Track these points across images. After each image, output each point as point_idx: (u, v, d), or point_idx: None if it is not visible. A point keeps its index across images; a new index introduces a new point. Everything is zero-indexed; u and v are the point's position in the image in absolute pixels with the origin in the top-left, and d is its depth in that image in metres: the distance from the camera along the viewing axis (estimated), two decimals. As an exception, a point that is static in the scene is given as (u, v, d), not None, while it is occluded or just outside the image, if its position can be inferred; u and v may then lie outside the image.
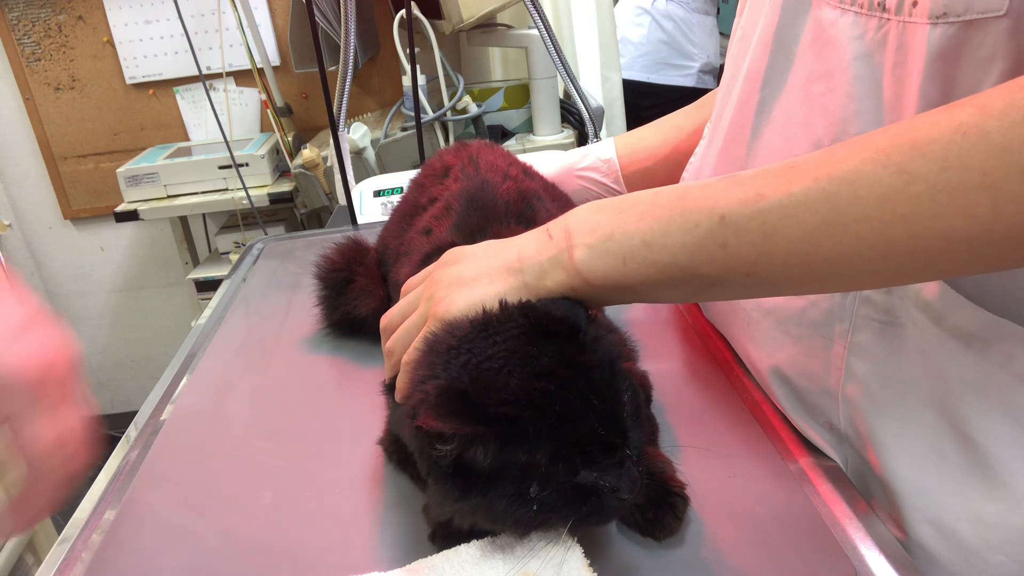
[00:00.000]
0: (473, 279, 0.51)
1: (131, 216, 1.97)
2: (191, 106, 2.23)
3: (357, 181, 1.32)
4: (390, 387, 0.55)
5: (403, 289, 0.58)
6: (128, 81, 2.20)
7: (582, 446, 0.44)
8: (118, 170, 2.00)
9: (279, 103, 2.10)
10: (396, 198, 0.93)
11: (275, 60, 2.15)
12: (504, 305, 0.48)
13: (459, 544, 0.50)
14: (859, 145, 0.42)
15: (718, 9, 2.85)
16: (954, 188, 0.38)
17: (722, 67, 2.72)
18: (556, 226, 0.51)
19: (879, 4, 0.48)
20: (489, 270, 0.51)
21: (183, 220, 2.22)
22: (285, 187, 1.99)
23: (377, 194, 1.26)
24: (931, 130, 0.39)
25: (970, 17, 0.42)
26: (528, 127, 1.89)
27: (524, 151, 1.65)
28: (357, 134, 1.68)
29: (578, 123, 1.80)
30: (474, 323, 0.47)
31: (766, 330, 0.62)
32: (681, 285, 0.47)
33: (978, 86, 0.43)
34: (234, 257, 1.76)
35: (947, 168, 0.38)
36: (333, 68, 1.58)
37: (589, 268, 0.48)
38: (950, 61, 0.43)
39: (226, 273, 1.12)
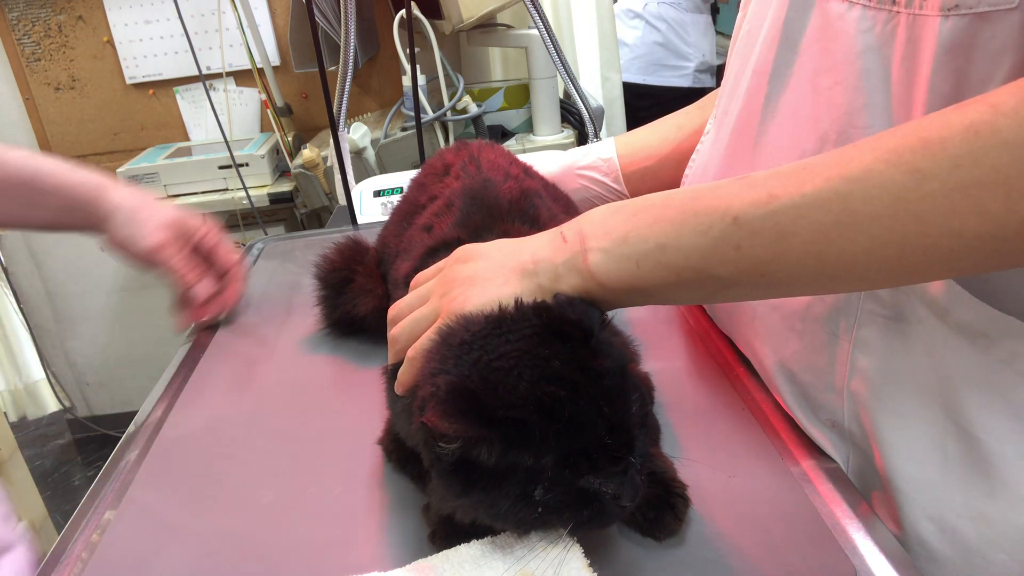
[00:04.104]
0: (487, 279, 0.51)
1: None
2: (191, 106, 2.23)
3: (357, 181, 1.32)
4: (392, 373, 0.55)
5: (413, 282, 0.59)
6: (128, 81, 2.20)
7: (588, 453, 0.44)
8: (118, 170, 2.00)
9: (279, 103, 2.10)
10: (396, 198, 0.93)
11: (275, 60, 2.15)
12: (519, 304, 0.48)
13: (459, 544, 0.50)
14: (870, 145, 0.42)
15: (716, 9, 2.85)
16: (967, 186, 0.38)
17: (719, 66, 2.70)
18: (570, 229, 0.51)
19: None
20: (504, 270, 0.51)
21: (183, 220, 2.22)
22: (285, 187, 1.99)
23: (377, 194, 1.26)
24: (943, 129, 0.39)
25: (982, 10, 0.42)
26: (528, 127, 1.89)
27: (524, 151, 1.64)
28: (357, 134, 1.68)
29: (578, 123, 1.80)
30: (489, 319, 0.47)
31: (771, 325, 0.62)
32: (695, 287, 0.47)
33: (989, 79, 0.43)
34: (234, 257, 1.76)
35: (960, 166, 0.38)
36: (333, 68, 1.58)
37: (603, 272, 0.48)
38: (961, 54, 0.43)
39: (226, 273, 1.12)
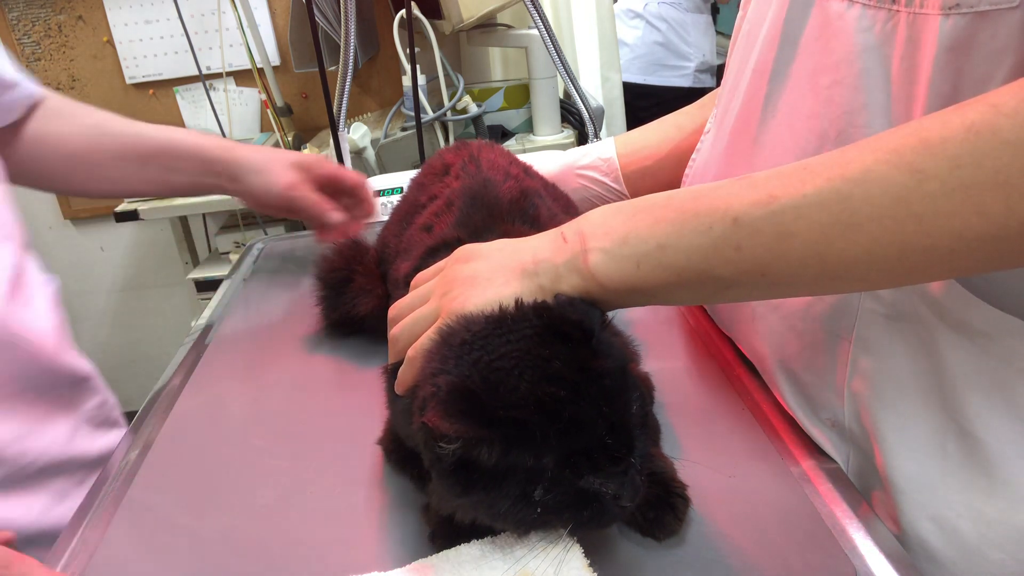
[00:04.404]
0: (488, 279, 0.51)
1: (131, 216, 1.97)
2: (191, 106, 2.23)
3: (357, 181, 1.32)
4: (392, 373, 0.55)
5: (414, 282, 0.59)
6: (128, 81, 2.20)
7: (588, 453, 0.44)
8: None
9: (279, 103, 2.10)
10: (396, 198, 0.93)
11: (275, 60, 2.15)
12: (520, 304, 0.48)
13: (459, 544, 0.50)
14: (871, 145, 0.42)
15: (716, 9, 2.85)
16: (967, 186, 0.38)
17: (719, 66, 2.70)
18: (570, 229, 0.51)
19: None
20: (504, 270, 0.51)
21: (183, 220, 2.22)
22: (285, 187, 1.99)
23: (377, 194, 1.26)
24: (943, 129, 0.39)
25: (983, 8, 0.42)
26: (528, 127, 1.89)
27: (524, 151, 1.64)
28: (357, 134, 1.68)
29: (578, 123, 1.80)
30: (489, 319, 0.47)
31: (772, 325, 0.62)
32: (696, 287, 0.47)
33: (989, 78, 0.43)
34: (234, 257, 1.76)
35: (960, 166, 0.38)
36: (333, 68, 1.57)
37: (604, 272, 0.48)
38: (961, 53, 0.43)
39: (226, 273, 1.12)
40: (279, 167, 0.93)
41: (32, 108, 0.92)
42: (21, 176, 0.90)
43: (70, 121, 0.93)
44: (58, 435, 0.77)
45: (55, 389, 0.78)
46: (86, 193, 1.01)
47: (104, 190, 0.98)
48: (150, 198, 1.99)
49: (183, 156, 0.94)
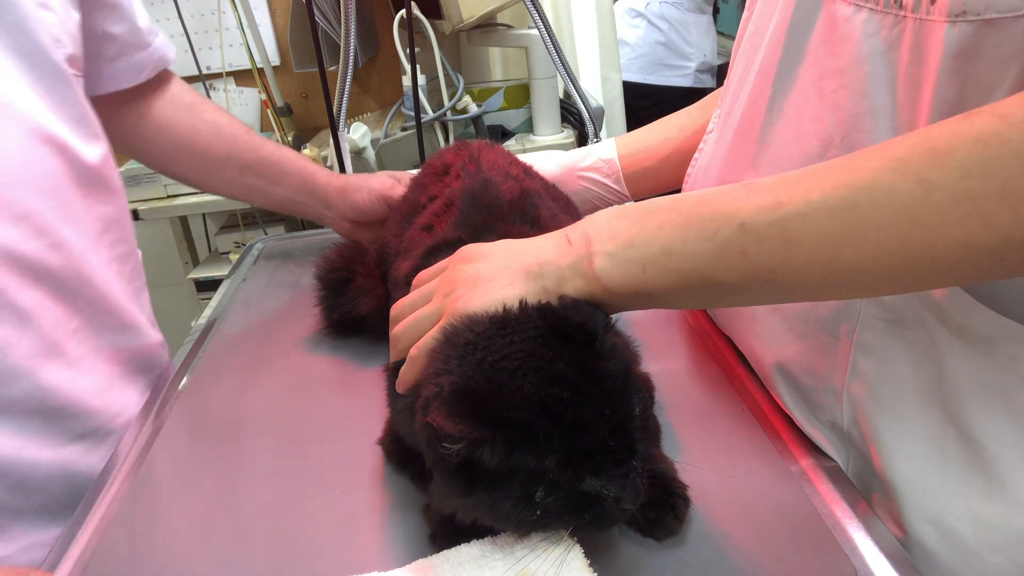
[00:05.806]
0: (491, 279, 0.51)
1: (131, 216, 1.96)
2: (191, 106, 2.23)
3: (357, 181, 1.32)
4: (393, 372, 0.55)
5: (415, 281, 0.59)
6: (128, 81, 2.19)
7: (590, 455, 0.44)
8: (119, 169, 1.99)
9: (279, 103, 2.10)
10: (396, 198, 0.93)
11: (275, 60, 2.15)
12: (523, 305, 0.48)
13: (460, 544, 0.50)
14: (878, 153, 0.42)
15: (717, 8, 2.84)
16: (974, 197, 0.38)
17: (720, 66, 2.70)
18: (575, 232, 0.51)
19: (895, 1, 0.47)
20: (508, 271, 0.51)
21: (183, 220, 2.22)
22: (285, 187, 1.99)
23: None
24: (951, 138, 0.39)
25: (990, 16, 0.42)
26: (528, 127, 1.89)
27: (524, 151, 1.64)
28: (357, 134, 1.68)
29: (578, 123, 1.80)
30: (493, 320, 0.47)
31: (771, 326, 0.62)
32: (701, 292, 0.47)
33: (995, 86, 0.43)
34: (234, 257, 1.76)
35: (967, 176, 0.38)
36: (333, 68, 1.58)
37: (608, 275, 0.48)
38: (968, 60, 0.43)
39: (226, 273, 1.12)
40: (378, 177, 1.00)
41: (158, 76, 0.96)
42: (125, 145, 0.97)
43: (192, 113, 0.99)
44: (133, 397, 0.80)
45: (131, 352, 0.81)
46: (183, 179, 1.06)
47: (202, 181, 1.04)
48: (152, 198, 2.00)
49: (288, 172, 1.01)
